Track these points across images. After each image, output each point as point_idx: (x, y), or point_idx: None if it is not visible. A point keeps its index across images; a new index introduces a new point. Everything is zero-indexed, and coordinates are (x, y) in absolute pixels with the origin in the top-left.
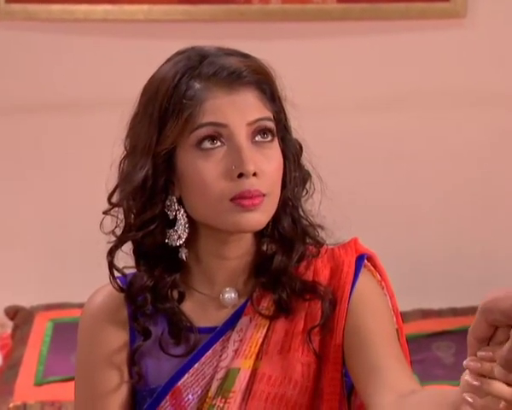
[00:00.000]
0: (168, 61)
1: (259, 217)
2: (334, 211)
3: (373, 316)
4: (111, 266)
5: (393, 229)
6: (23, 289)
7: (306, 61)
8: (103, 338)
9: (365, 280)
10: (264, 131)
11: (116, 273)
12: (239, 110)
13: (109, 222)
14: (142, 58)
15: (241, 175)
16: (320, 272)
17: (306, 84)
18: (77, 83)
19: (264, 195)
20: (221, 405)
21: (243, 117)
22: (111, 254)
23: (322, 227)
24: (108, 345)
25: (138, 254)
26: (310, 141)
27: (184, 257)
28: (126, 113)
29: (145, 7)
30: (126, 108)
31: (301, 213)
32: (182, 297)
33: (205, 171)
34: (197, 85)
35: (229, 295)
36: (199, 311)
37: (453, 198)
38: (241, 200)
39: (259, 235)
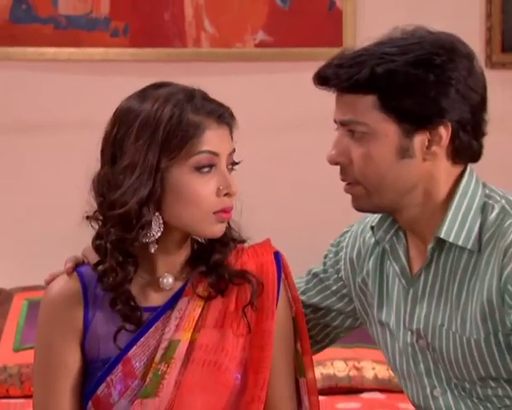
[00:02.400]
0: (145, 92)
1: (225, 226)
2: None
3: (282, 341)
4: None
5: (295, 228)
6: (3, 273)
7: (231, 95)
8: (59, 318)
9: (282, 285)
10: (233, 163)
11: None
12: (225, 142)
13: (80, 216)
14: (99, 90)
15: (226, 194)
16: (246, 264)
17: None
18: (46, 110)
19: None
20: (164, 369)
21: (227, 148)
22: (89, 218)
23: (235, 230)
24: (64, 323)
25: (102, 243)
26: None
27: (153, 250)
28: (97, 134)
29: (102, 49)
30: (93, 130)
31: None
32: (129, 282)
33: (201, 189)
34: (197, 118)
35: (167, 279)
36: (143, 293)
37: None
38: (222, 213)
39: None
